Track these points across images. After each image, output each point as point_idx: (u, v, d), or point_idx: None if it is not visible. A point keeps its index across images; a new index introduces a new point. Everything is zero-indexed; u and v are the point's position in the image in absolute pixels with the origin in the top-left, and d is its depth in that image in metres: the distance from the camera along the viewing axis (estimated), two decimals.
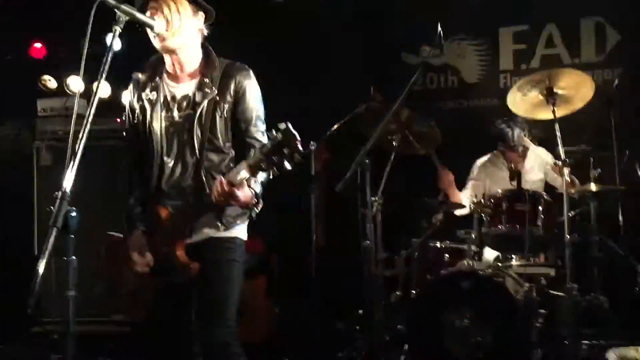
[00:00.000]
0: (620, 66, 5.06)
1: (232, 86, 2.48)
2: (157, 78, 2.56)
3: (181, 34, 2.43)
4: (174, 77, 2.54)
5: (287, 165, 2.11)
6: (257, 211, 2.54)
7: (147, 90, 2.56)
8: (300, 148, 2.07)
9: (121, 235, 2.59)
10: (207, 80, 2.48)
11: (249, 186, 2.31)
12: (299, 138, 2.07)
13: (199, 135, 2.45)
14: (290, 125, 2.08)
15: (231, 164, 2.48)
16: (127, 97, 2.66)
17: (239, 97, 2.48)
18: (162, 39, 2.41)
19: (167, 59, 2.53)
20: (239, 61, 2.58)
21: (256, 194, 2.36)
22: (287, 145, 2.06)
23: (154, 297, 2.51)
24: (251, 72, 2.54)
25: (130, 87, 2.64)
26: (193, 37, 2.49)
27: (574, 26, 5.25)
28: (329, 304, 4.63)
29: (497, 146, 4.50)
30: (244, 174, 2.19)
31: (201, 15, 2.51)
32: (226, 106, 2.46)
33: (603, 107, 4.26)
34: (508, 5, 5.23)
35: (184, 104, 2.50)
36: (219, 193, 2.25)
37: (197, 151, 2.45)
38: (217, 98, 2.46)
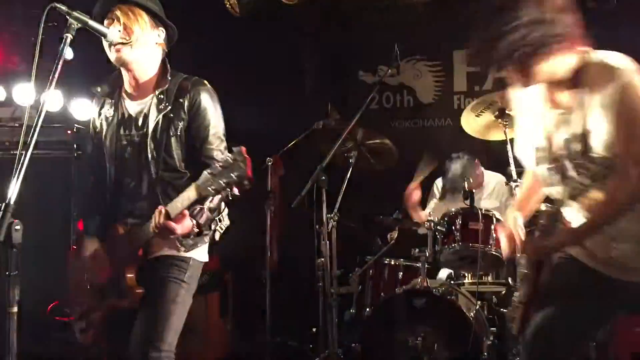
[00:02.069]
0: None
1: (187, 103, 2.38)
2: (116, 94, 2.50)
3: (138, 47, 2.36)
4: (131, 94, 2.48)
5: (235, 191, 2.07)
6: (221, 230, 2.46)
7: (106, 107, 2.50)
8: (250, 173, 2.02)
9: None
10: (162, 96, 2.40)
11: (192, 216, 2.25)
12: (249, 163, 2.02)
13: (154, 155, 2.37)
14: (243, 150, 2.03)
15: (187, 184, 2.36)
16: (91, 112, 2.59)
17: (193, 114, 2.37)
18: (118, 50, 2.33)
19: (124, 74, 2.46)
20: (196, 75, 2.50)
21: (197, 223, 2.28)
22: (236, 169, 2.01)
23: (104, 321, 2.42)
24: (209, 87, 2.45)
25: (93, 102, 2.58)
26: (151, 51, 2.42)
27: None
28: (283, 321, 4.59)
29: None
30: (188, 198, 2.14)
31: (161, 30, 2.45)
32: (180, 124, 2.37)
33: None
34: (462, 28, 5.35)
35: (140, 121, 2.42)
36: (155, 225, 2.20)
37: (152, 171, 2.37)
38: (171, 115, 2.37)
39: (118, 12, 2.34)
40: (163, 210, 2.18)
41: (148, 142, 2.37)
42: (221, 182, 2.03)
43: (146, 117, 2.41)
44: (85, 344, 2.48)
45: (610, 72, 1.90)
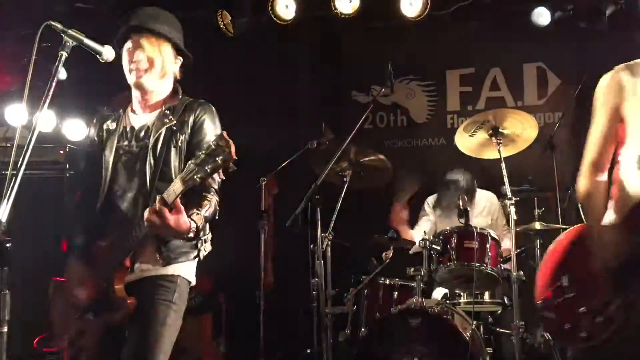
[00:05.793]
0: (561, 109, 5.27)
1: (191, 119, 2.45)
2: (120, 110, 2.55)
3: (158, 76, 2.44)
4: (138, 111, 2.53)
5: (222, 174, 2.06)
6: (205, 251, 2.45)
7: (109, 122, 2.54)
8: (234, 155, 2.00)
9: (65, 279, 2.46)
10: (167, 111, 2.46)
11: (189, 217, 2.20)
12: (232, 145, 2.00)
13: (152, 165, 2.39)
14: (225, 134, 2.03)
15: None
16: (91, 128, 2.61)
17: (196, 129, 2.44)
18: (139, 76, 2.40)
19: (136, 93, 2.51)
20: (190, 95, 2.57)
21: (197, 228, 2.24)
22: (220, 154, 2.00)
23: (96, 344, 2.37)
24: (213, 109, 2.53)
25: (94, 120, 2.61)
26: (167, 79, 2.51)
27: (517, 70, 5.46)
28: (277, 342, 4.54)
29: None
30: (174, 192, 2.10)
31: (179, 59, 2.54)
32: (182, 137, 2.42)
33: (545, 149, 4.41)
34: (455, 49, 5.41)
35: (142, 133, 2.47)
36: (148, 212, 2.14)
37: (147, 181, 2.38)
38: (175, 128, 2.43)
39: (144, 41, 2.41)
40: (159, 197, 2.14)
41: (148, 152, 2.40)
42: (206, 168, 2.02)
43: (149, 129, 2.46)
44: None
45: None
